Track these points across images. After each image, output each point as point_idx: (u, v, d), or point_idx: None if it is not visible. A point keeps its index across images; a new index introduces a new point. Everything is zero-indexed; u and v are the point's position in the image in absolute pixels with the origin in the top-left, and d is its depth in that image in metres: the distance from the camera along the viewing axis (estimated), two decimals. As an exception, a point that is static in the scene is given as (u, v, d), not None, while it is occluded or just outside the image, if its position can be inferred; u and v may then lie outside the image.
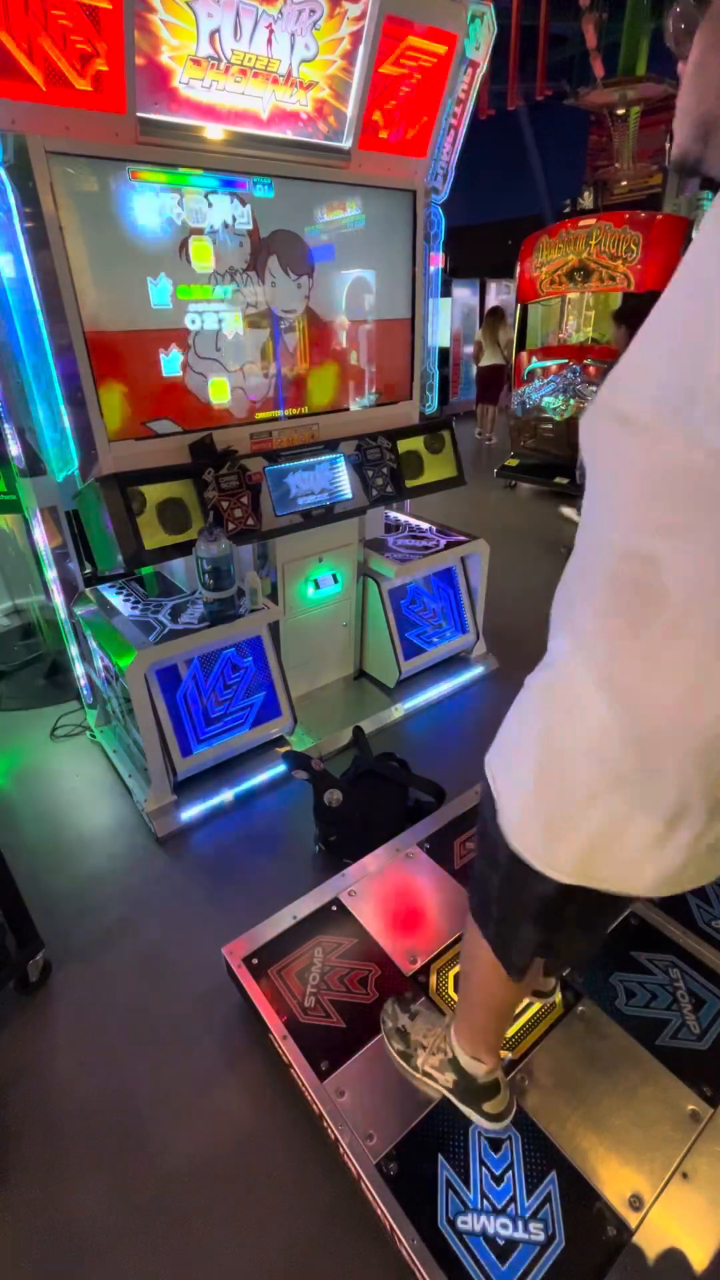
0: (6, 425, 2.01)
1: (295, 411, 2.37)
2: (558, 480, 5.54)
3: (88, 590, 2.36)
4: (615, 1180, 1.20)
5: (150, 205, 1.84)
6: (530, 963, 1.01)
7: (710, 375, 0.50)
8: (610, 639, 0.68)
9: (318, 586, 2.59)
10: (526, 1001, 1.48)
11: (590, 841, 0.76)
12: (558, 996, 1.49)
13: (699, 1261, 1.10)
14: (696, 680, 0.63)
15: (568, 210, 6.59)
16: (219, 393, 2.15)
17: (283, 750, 2.40)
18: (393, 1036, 1.40)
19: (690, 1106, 1.30)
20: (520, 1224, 1.15)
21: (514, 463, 5.99)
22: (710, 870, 0.77)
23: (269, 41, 1.79)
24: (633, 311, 3.86)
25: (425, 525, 2.96)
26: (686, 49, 0.59)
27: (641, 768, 0.70)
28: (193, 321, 2.03)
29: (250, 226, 2.05)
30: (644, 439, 0.58)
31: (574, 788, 0.75)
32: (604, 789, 0.73)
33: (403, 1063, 1.37)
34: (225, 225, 2.00)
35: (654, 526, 0.61)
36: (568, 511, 5.04)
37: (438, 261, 2.60)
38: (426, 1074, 1.33)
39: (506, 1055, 1.38)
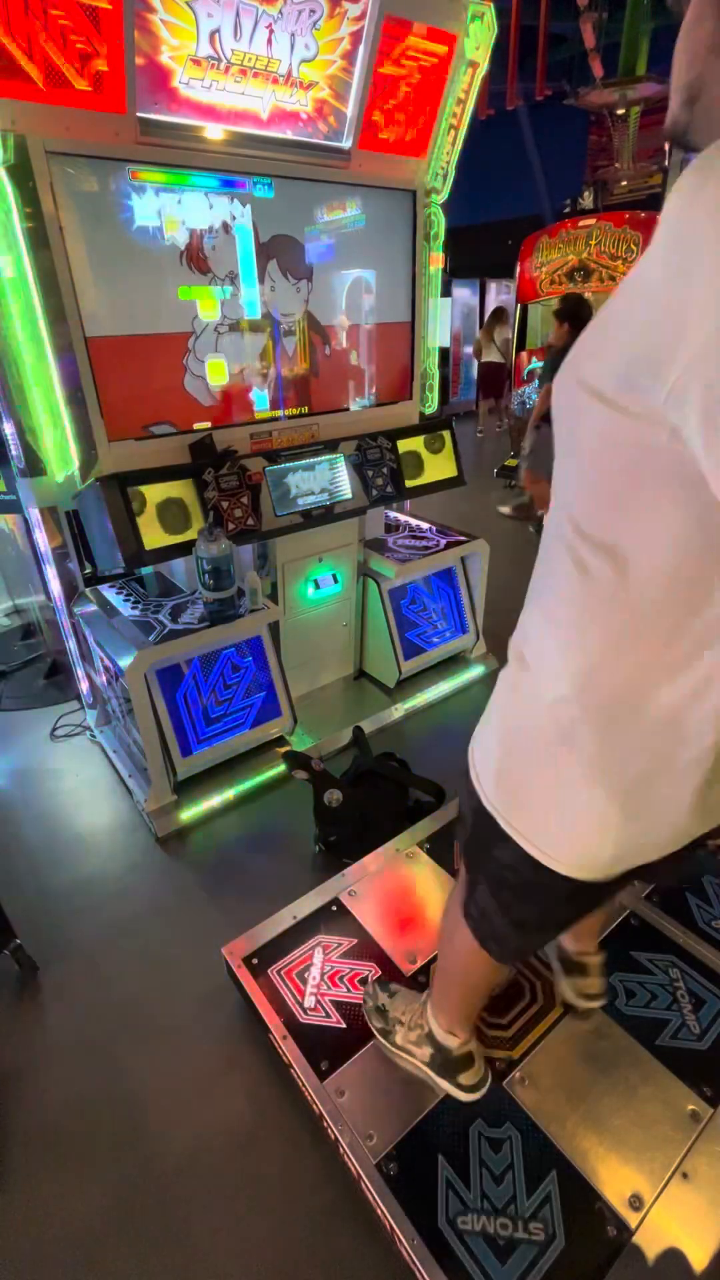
0: (6, 425, 2.01)
1: (295, 411, 2.37)
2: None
3: (88, 590, 2.36)
4: (615, 1180, 1.20)
5: (150, 205, 1.84)
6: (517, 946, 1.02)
7: (677, 358, 0.49)
8: (572, 617, 0.70)
9: (318, 586, 2.59)
10: (540, 1006, 1.47)
11: (547, 808, 0.79)
12: (601, 1003, 1.44)
13: (699, 1261, 1.10)
14: (649, 662, 0.65)
15: (568, 210, 6.59)
16: (218, 396, 2.15)
17: (283, 750, 2.40)
18: (372, 1015, 1.43)
19: (690, 1106, 1.30)
20: (520, 1224, 1.15)
21: (514, 463, 5.99)
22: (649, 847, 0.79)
23: (269, 41, 1.79)
24: (574, 308, 3.95)
25: (425, 525, 2.95)
26: (684, 6, 0.59)
27: (598, 744, 0.72)
28: (192, 323, 2.03)
29: (251, 228, 2.05)
30: (607, 413, 0.58)
31: (534, 755, 0.78)
32: (561, 760, 0.75)
33: (382, 1040, 1.39)
34: (225, 226, 2.00)
35: (614, 500, 0.62)
36: (504, 510, 5.10)
37: (438, 261, 2.60)
38: (404, 1049, 1.35)
39: (508, 1054, 1.38)
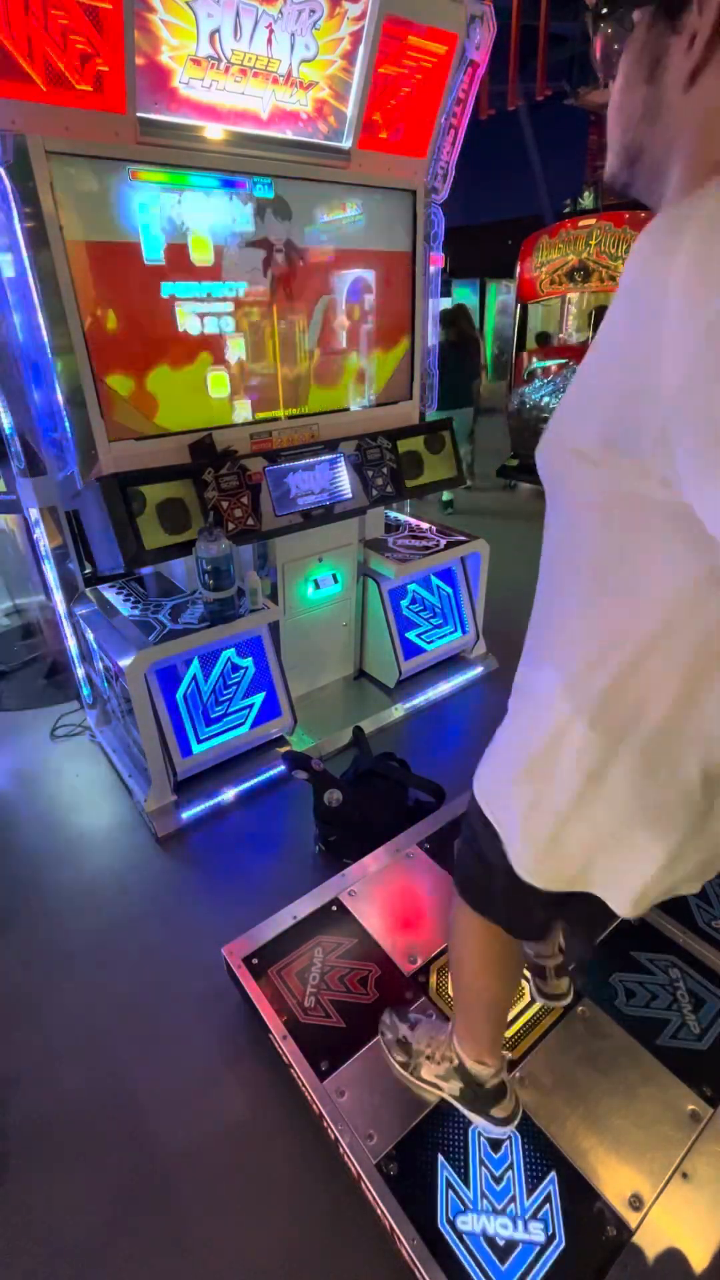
0: (6, 425, 2.01)
1: (295, 411, 2.37)
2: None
3: (88, 590, 2.36)
4: (615, 1180, 1.20)
5: (151, 205, 1.84)
6: (547, 926, 1.03)
7: (655, 410, 0.51)
8: (589, 669, 0.70)
9: (318, 586, 2.59)
10: (540, 1007, 1.48)
11: (581, 860, 0.78)
12: (565, 1003, 1.47)
13: (699, 1261, 1.10)
14: (669, 705, 0.66)
15: (568, 210, 6.59)
16: (218, 391, 2.15)
17: (283, 750, 2.40)
18: (393, 1048, 1.38)
19: (690, 1106, 1.30)
20: (520, 1224, 1.15)
21: (514, 463, 5.99)
22: (695, 878, 0.78)
23: (269, 41, 1.79)
24: (455, 316, 4.70)
25: (425, 525, 2.95)
26: (614, 73, 0.60)
27: (627, 788, 0.71)
28: (192, 324, 2.03)
29: (251, 228, 2.05)
30: (599, 472, 0.59)
31: (559, 813, 0.77)
32: (589, 813, 0.75)
33: (405, 1074, 1.35)
34: (225, 226, 2.00)
35: (618, 555, 0.63)
36: None
37: (438, 261, 2.60)
38: (432, 1084, 1.32)
39: (507, 1055, 1.38)
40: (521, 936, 1.07)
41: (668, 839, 0.72)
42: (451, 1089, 1.28)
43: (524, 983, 1.52)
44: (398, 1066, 1.36)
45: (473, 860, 0.98)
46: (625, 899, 0.78)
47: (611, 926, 1.64)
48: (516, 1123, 1.26)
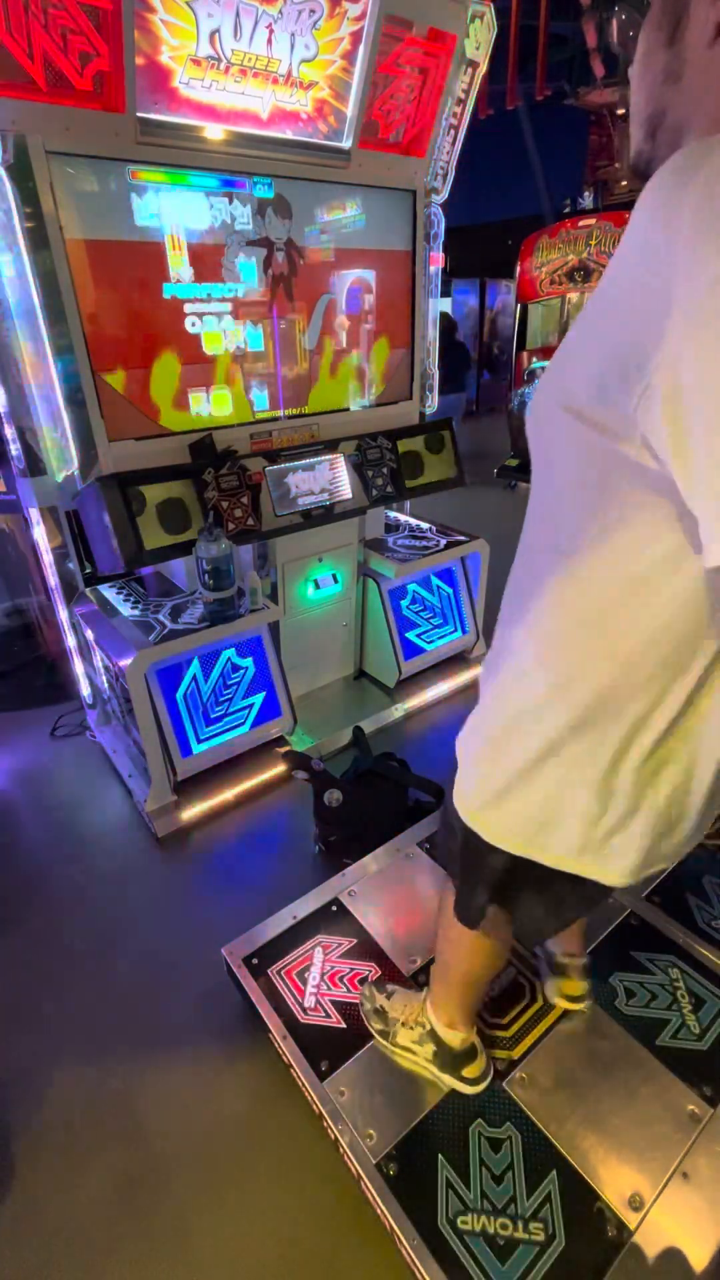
0: (6, 425, 2.01)
1: (295, 411, 2.37)
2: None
3: (88, 590, 2.36)
4: (615, 1180, 1.20)
5: (151, 205, 1.84)
6: (485, 918, 1.05)
7: (645, 364, 0.50)
8: (560, 635, 0.71)
9: (318, 586, 2.59)
10: (539, 1006, 1.48)
11: (530, 812, 0.81)
12: (583, 1005, 1.45)
13: (699, 1261, 1.10)
14: (623, 668, 0.67)
15: (568, 210, 6.59)
16: (219, 391, 2.15)
17: (283, 750, 2.40)
18: (371, 1017, 1.42)
19: (690, 1106, 1.30)
20: (520, 1224, 1.15)
21: (514, 463, 5.99)
22: (654, 858, 0.80)
23: (269, 41, 1.79)
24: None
25: (425, 525, 2.95)
26: (633, 50, 0.62)
27: (577, 742, 0.73)
28: (192, 324, 2.03)
29: (251, 228, 2.05)
30: (582, 428, 0.59)
31: (516, 759, 0.79)
32: (544, 761, 0.77)
33: (384, 1042, 1.39)
34: (225, 226, 2.00)
35: (595, 519, 0.63)
36: None
37: (438, 261, 2.60)
38: (406, 1048, 1.35)
39: (508, 1055, 1.38)
40: (462, 907, 1.08)
41: (611, 812, 0.75)
42: (424, 1053, 1.33)
43: (523, 981, 1.52)
44: (377, 1035, 1.40)
45: (443, 824, 1.04)
46: (564, 853, 0.80)
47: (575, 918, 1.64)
48: (488, 1083, 1.31)
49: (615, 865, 0.79)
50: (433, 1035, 1.31)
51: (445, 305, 8.68)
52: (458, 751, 0.92)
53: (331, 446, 2.33)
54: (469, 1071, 1.30)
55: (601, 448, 0.58)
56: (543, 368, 5.63)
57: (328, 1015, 1.47)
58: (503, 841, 0.85)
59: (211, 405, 2.16)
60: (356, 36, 1.92)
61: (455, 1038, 1.29)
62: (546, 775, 0.77)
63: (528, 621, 0.75)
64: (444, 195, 2.48)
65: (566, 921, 1.09)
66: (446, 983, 1.27)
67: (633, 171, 0.67)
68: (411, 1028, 1.35)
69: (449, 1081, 1.31)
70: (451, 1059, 1.30)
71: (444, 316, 5.59)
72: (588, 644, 0.68)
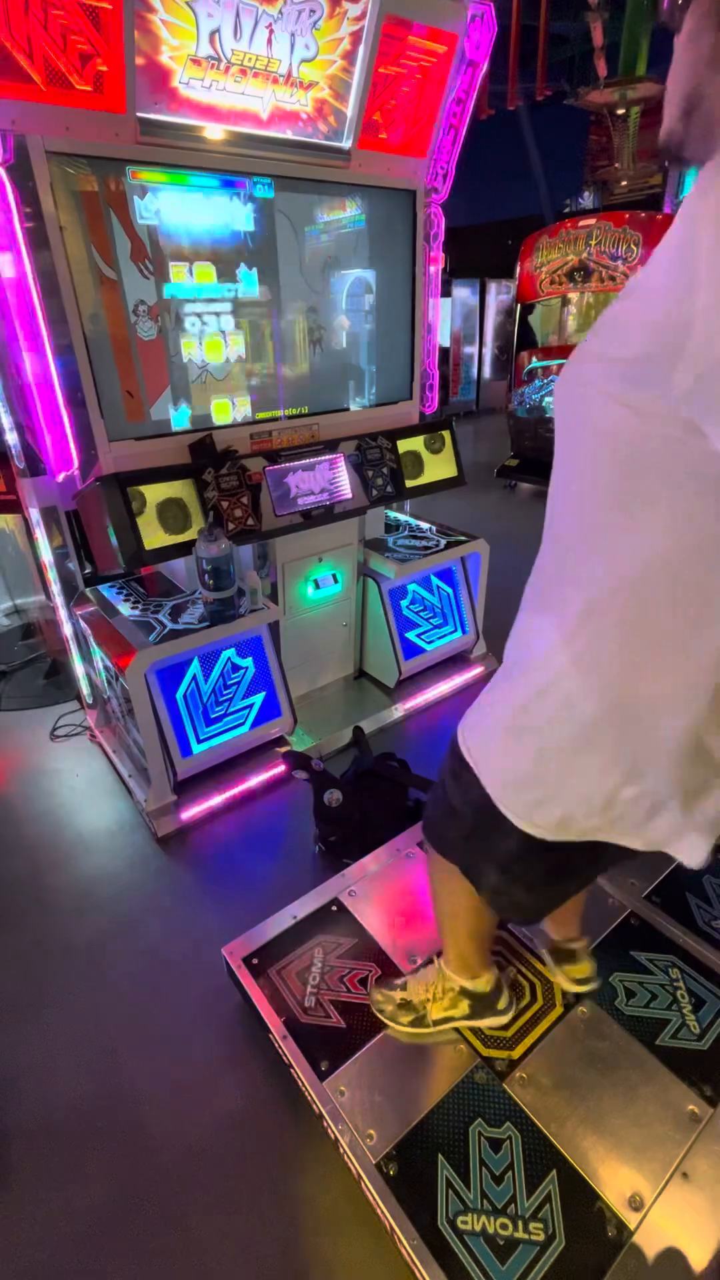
0: (6, 425, 2.01)
1: (295, 411, 2.37)
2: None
3: (88, 590, 2.36)
4: (615, 1180, 1.20)
5: (151, 205, 1.84)
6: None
7: (689, 355, 0.51)
8: (584, 618, 0.71)
9: (318, 586, 2.59)
10: (539, 1006, 1.48)
11: (567, 804, 0.81)
12: (557, 995, 1.48)
13: (699, 1261, 1.10)
14: (662, 659, 0.67)
15: (568, 210, 6.59)
16: (219, 391, 2.15)
17: (283, 750, 2.40)
18: (397, 1015, 1.40)
19: (690, 1106, 1.30)
20: (520, 1224, 1.15)
21: (514, 463, 5.99)
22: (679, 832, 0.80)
23: (269, 41, 1.79)
24: None
25: (425, 525, 2.95)
26: (681, 20, 0.59)
27: (611, 725, 0.73)
28: (192, 325, 2.03)
29: (252, 228, 2.06)
30: (615, 408, 0.59)
31: (551, 760, 0.80)
32: (578, 757, 0.77)
33: (418, 1031, 1.38)
34: (225, 226, 2.00)
35: (624, 500, 0.63)
36: None
37: (438, 261, 2.60)
38: (444, 1019, 1.37)
39: (509, 1055, 1.38)
40: (476, 883, 1.09)
41: (639, 785, 0.75)
42: (461, 1010, 1.36)
43: (523, 981, 1.52)
44: (408, 1029, 1.39)
45: (441, 805, 1.05)
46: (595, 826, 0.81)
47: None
48: (515, 1009, 1.40)
49: (685, 842, 0.79)
50: (465, 992, 1.36)
51: (445, 306, 8.66)
52: (470, 739, 0.92)
53: (331, 446, 2.33)
54: (502, 1003, 1.38)
55: (633, 430, 0.58)
56: (543, 367, 5.62)
57: (328, 1015, 1.47)
58: (540, 828, 0.85)
59: (211, 405, 2.16)
60: (356, 36, 1.92)
61: (482, 982, 1.34)
62: (581, 760, 0.77)
63: (553, 606, 0.75)
64: (444, 195, 2.48)
65: (567, 895, 1.11)
66: (458, 940, 1.30)
67: (662, 152, 0.66)
68: (440, 997, 1.38)
69: (485, 1024, 1.38)
70: (485, 1002, 1.36)
71: None
72: (618, 626, 0.68)
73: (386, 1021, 1.42)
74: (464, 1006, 1.37)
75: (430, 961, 1.51)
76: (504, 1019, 1.38)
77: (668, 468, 0.58)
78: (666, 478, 0.58)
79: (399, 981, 1.47)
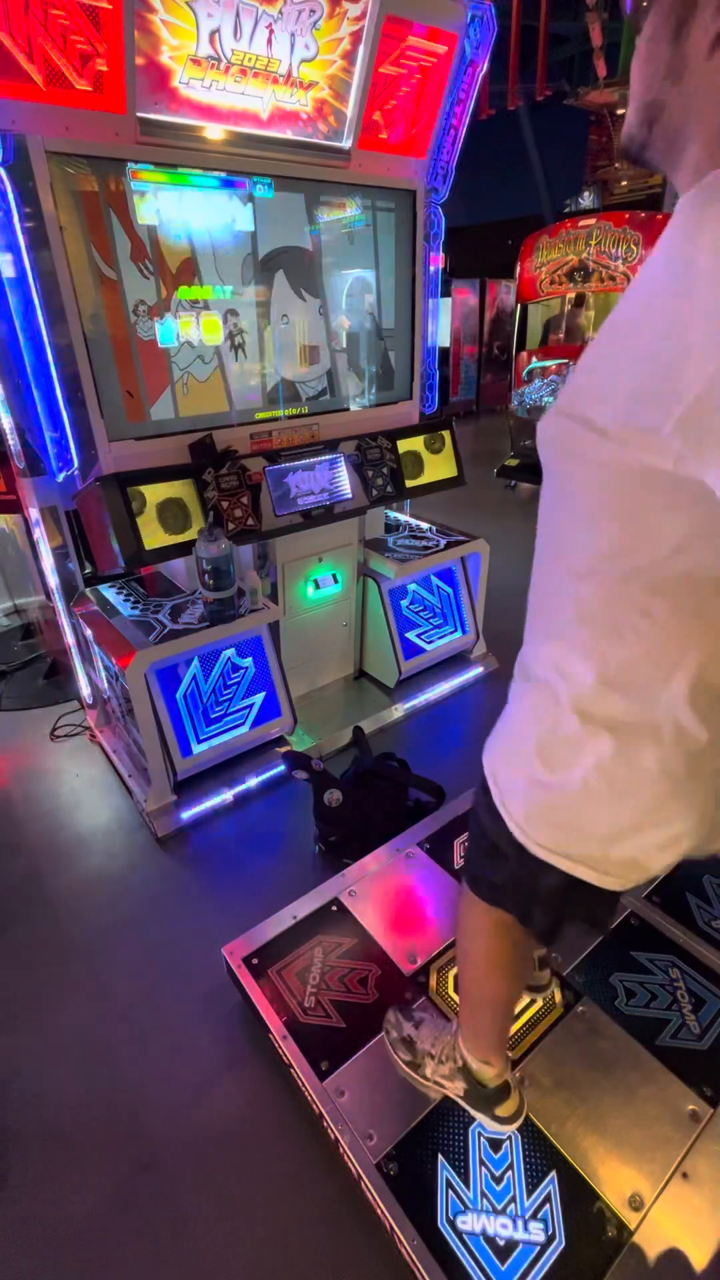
0: (6, 425, 2.01)
1: (295, 411, 2.37)
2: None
3: (88, 590, 2.36)
4: (615, 1180, 1.20)
5: (151, 205, 1.84)
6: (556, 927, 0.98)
7: (683, 388, 0.50)
8: (585, 652, 0.70)
9: (318, 586, 2.59)
10: (526, 1000, 1.48)
11: (582, 835, 0.78)
12: (556, 995, 1.49)
13: (699, 1261, 1.10)
14: (667, 684, 0.66)
15: (568, 210, 6.59)
16: (218, 390, 2.15)
17: (283, 750, 2.40)
18: (398, 1046, 1.38)
19: (690, 1106, 1.30)
20: (520, 1224, 1.15)
21: (514, 463, 5.99)
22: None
23: (269, 41, 1.79)
24: None
25: (425, 525, 2.95)
26: (642, 23, 0.58)
27: (624, 751, 0.71)
28: (192, 325, 2.03)
29: (252, 227, 2.05)
30: (609, 445, 0.58)
31: (571, 781, 0.77)
32: (596, 794, 0.74)
33: (410, 1072, 1.35)
34: (225, 226, 2.00)
35: (616, 529, 0.62)
36: None
37: (438, 261, 2.60)
38: (436, 1083, 1.32)
39: (510, 1055, 1.38)
40: (528, 925, 1.01)
41: (676, 818, 0.73)
42: (456, 1089, 1.28)
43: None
44: (402, 1064, 1.36)
45: (484, 850, 0.96)
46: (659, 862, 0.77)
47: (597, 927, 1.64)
48: (520, 1122, 1.26)
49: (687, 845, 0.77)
50: (465, 1072, 1.25)
51: (445, 306, 8.65)
52: (498, 775, 0.88)
53: (331, 446, 2.33)
54: (502, 1110, 1.24)
55: (630, 463, 0.57)
56: (543, 367, 5.62)
57: (328, 1015, 1.47)
58: (580, 869, 0.79)
59: (212, 405, 2.16)
60: (356, 36, 1.92)
61: (490, 1073, 1.22)
62: (600, 789, 0.74)
63: (555, 634, 0.74)
64: (444, 195, 2.48)
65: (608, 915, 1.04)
66: (476, 1012, 1.21)
67: (623, 153, 0.65)
68: (442, 1062, 1.30)
69: (480, 1119, 1.26)
70: (485, 1097, 1.24)
71: None
72: (623, 653, 0.67)
73: (388, 1044, 1.40)
74: (460, 1086, 1.27)
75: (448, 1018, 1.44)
76: (500, 1127, 1.25)
77: (658, 498, 0.57)
78: (657, 508, 0.58)
79: (419, 1014, 1.42)
